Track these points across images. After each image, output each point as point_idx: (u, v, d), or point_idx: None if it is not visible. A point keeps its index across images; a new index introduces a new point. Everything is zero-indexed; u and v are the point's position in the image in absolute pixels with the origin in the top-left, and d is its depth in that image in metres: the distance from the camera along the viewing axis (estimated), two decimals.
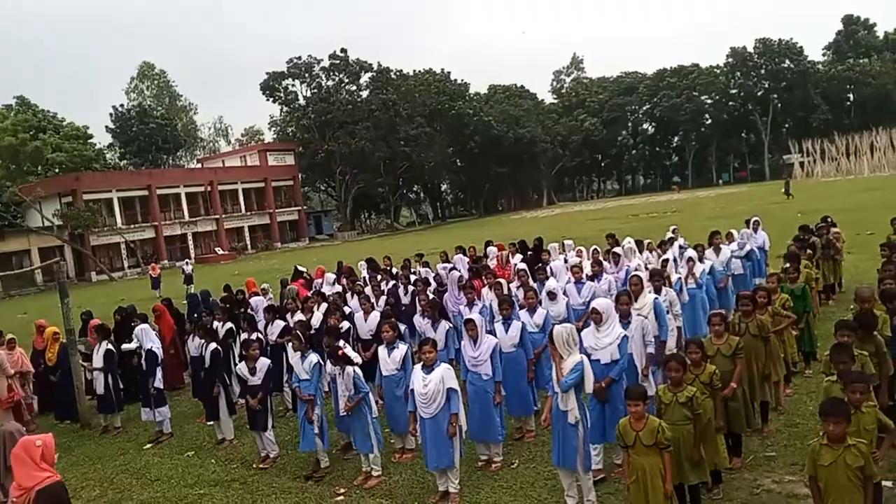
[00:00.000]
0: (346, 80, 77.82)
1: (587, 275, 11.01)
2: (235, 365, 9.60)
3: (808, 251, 11.25)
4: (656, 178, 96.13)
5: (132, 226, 57.07)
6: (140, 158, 75.61)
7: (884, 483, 5.83)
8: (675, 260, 11.25)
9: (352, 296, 11.88)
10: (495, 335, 7.88)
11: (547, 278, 10.45)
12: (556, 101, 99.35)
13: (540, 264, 12.50)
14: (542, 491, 6.61)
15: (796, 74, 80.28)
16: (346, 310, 10.68)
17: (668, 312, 8.68)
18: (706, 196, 56.92)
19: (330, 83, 77.35)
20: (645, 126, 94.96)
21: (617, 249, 12.03)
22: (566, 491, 6.13)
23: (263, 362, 8.26)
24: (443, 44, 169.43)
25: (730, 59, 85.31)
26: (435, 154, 75.21)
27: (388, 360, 7.66)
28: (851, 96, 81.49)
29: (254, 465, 8.30)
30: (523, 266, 11.52)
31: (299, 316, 10.33)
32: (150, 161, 75.42)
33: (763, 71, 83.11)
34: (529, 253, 15.11)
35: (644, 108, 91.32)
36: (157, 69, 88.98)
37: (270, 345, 10.08)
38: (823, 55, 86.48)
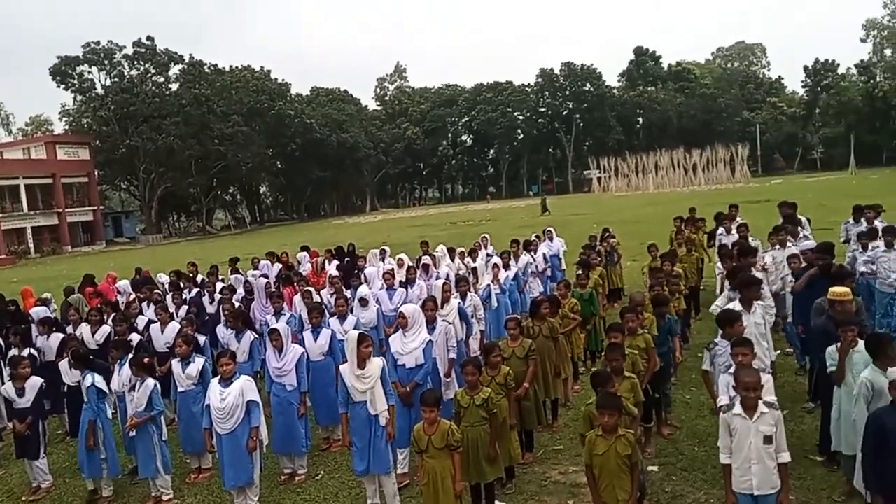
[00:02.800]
0: (154, 71, 72.18)
1: (401, 281, 11.19)
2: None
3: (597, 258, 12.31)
4: (474, 188, 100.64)
5: None
6: None
7: (649, 468, 6.55)
8: (482, 267, 11.76)
9: (148, 305, 10.98)
10: (304, 344, 7.72)
11: (360, 285, 10.44)
12: (379, 108, 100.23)
13: (356, 271, 12.49)
14: (345, 501, 6.56)
15: (596, 97, 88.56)
16: (143, 320, 9.86)
17: (472, 317, 9.10)
18: (517, 206, 60.60)
19: (134, 73, 71.25)
20: (464, 137, 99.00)
21: (426, 259, 12.34)
22: (370, 499, 6.13)
23: (34, 382, 7.31)
24: (264, 41, 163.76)
25: (539, 80, 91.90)
26: (253, 154, 72.19)
27: (183, 376, 7.17)
28: (640, 119, 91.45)
29: (23, 497, 7.34)
30: (336, 273, 11.41)
31: (84, 328, 9.32)
32: None
33: (568, 92, 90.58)
34: (347, 260, 15.01)
35: (463, 120, 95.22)
36: None
37: (45, 362, 8.97)
38: (618, 81, 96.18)
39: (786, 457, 4.63)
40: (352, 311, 8.98)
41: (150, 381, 6.74)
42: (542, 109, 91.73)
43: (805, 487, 5.93)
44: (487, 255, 13.80)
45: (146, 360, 6.98)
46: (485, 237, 15.78)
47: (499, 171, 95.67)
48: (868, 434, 4.46)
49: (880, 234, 9.31)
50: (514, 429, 6.49)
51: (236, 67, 78.75)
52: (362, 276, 11.34)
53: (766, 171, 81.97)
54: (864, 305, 7.43)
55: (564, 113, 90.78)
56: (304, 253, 15.22)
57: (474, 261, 13.43)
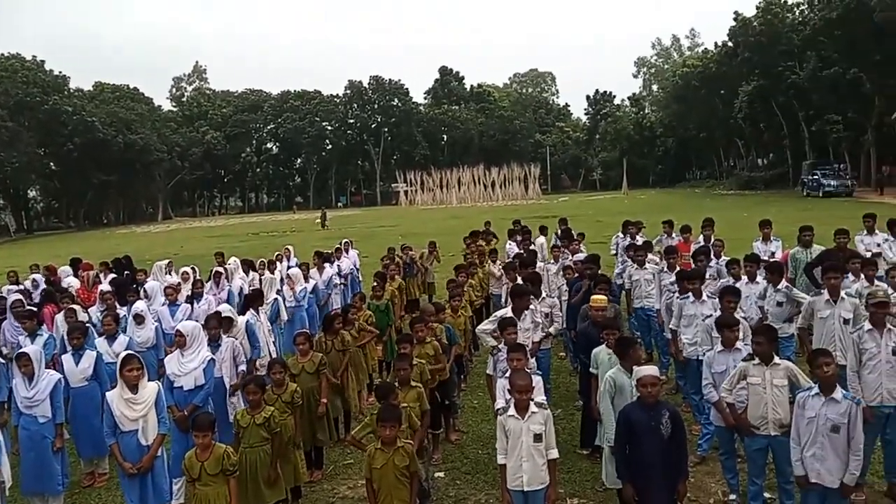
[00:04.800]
0: None
1: (187, 296, 10.44)
2: None
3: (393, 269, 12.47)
4: (280, 198, 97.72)
5: None
6: None
7: (437, 474, 6.72)
8: (270, 281, 11.29)
9: None
10: (63, 369, 6.86)
11: (137, 300, 9.53)
12: (175, 110, 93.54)
13: (134, 285, 11.41)
14: None
15: (403, 112, 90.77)
16: None
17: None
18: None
19: None
20: (269, 145, 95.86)
21: (221, 269, 11.67)
22: None
23: None
24: (36, 29, 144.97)
25: (348, 91, 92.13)
26: (20, 154, 63.34)
27: None
28: (445, 136, 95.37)
29: None
30: (108, 287, 10.32)
31: None
32: None
33: (376, 106, 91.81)
34: (126, 273, 13.66)
35: (268, 127, 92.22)
36: None
37: None
38: (425, 98, 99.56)
39: (554, 453, 4.97)
40: (124, 331, 8.17)
41: None
42: (351, 121, 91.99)
43: (572, 481, 6.45)
44: (289, 266, 13.41)
45: None
46: (287, 248, 15.33)
47: (306, 180, 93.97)
48: (618, 428, 4.94)
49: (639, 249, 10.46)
50: (301, 448, 6.30)
51: (2, 55, 68.95)
52: (142, 291, 10.38)
53: (554, 189, 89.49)
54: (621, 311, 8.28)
55: (373, 126, 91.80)
56: (66, 266, 13.55)
57: (273, 273, 13.00)
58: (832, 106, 45.43)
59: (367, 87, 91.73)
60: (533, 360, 6.95)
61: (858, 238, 10.68)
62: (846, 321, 6.44)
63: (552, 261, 11.34)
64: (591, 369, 6.27)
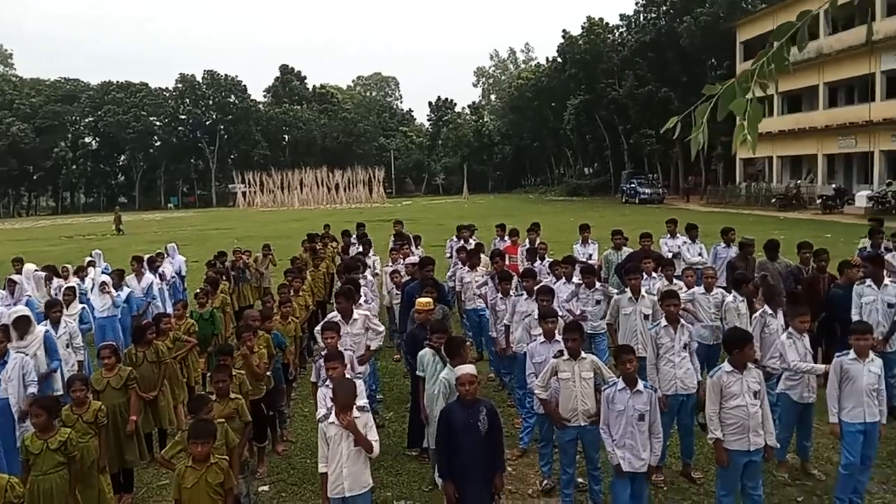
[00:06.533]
0: None
1: None
2: None
3: (224, 276, 11.86)
4: (101, 198, 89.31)
5: None
6: None
7: (261, 488, 6.44)
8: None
9: None
10: None
11: None
12: None
13: None
14: None
15: (241, 110, 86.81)
16: None
17: (68, 346, 7.89)
18: (152, 219, 55.79)
19: None
20: (88, 140, 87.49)
21: (16, 277, 10.37)
22: None
23: None
24: None
25: (179, 85, 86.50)
26: None
27: None
28: (287, 137, 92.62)
29: None
30: None
31: None
32: None
33: (211, 102, 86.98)
34: None
35: (87, 120, 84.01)
36: None
37: None
38: (265, 97, 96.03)
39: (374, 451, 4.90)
40: None
41: None
42: (183, 117, 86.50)
43: (400, 483, 6.46)
44: (103, 272, 12.27)
45: None
46: (98, 253, 14.03)
47: (131, 179, 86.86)
48: (439, 428, 5.01)
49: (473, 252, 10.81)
50: (105, 472, 5.73)
51: None
52: None
53: (398, 193, 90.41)
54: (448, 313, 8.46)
55: (208, 123, 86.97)
56: None
57: (83, 281, 11.82)
58: (646, 121, 50.08)
59: (200, 81, 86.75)
60: (363, 367, 6.90)
61: (662, 241, 11.83)
62: (646, 317, 7.06)
63: (389, 263, 11.38)
64: (417, 371, 6.32)
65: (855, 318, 7.00)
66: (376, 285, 10.99)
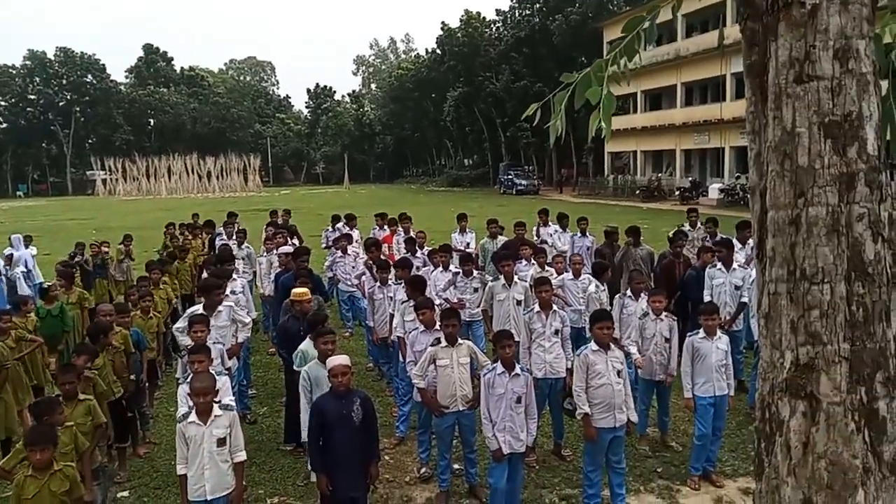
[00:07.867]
0: None
1: None
2: None
3: (77, 270, 10.93)
4: None
5: None
6: None
7: (120, 494, 5.98)
8: None
9: None
10: None
11: None
12: None
13: None
14: None
15: (99, 91, 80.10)
16: None
17: None
18: None
19: None
20: None
21: None
22: None
23: None
24: None
25: (28, 62, 78.59)
26: None
27: None
28: (152, 121, 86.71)
29: None
30: None
31: None
32: None
33: (65, 81, 79.67)
34: None
35: None
36: None
37: None
38: (126, 77, 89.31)
39: (241, 456, 4.71)
40: None
41: None
42: (32, 97, 78.70)
43: (274, 479, 6.24)
44: None
45: None
46: None
47: None
48: (311, 420, 4.85)
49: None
50: None
51: None
52: None
53: (276, 181, 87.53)
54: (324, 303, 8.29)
55: (61, 104, 79.61)
56: None
57: None
58: (523, 114, 51.59)
59: (52, 59, 79.34)
60: (231, 361, 6.59)
61: (535, 230, 12.24)
62: (518, 303, 7.25)
63: (265, 253, 10.98)
64: (294, 366, 6.09)
65: (707, 299, 7.57)
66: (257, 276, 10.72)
